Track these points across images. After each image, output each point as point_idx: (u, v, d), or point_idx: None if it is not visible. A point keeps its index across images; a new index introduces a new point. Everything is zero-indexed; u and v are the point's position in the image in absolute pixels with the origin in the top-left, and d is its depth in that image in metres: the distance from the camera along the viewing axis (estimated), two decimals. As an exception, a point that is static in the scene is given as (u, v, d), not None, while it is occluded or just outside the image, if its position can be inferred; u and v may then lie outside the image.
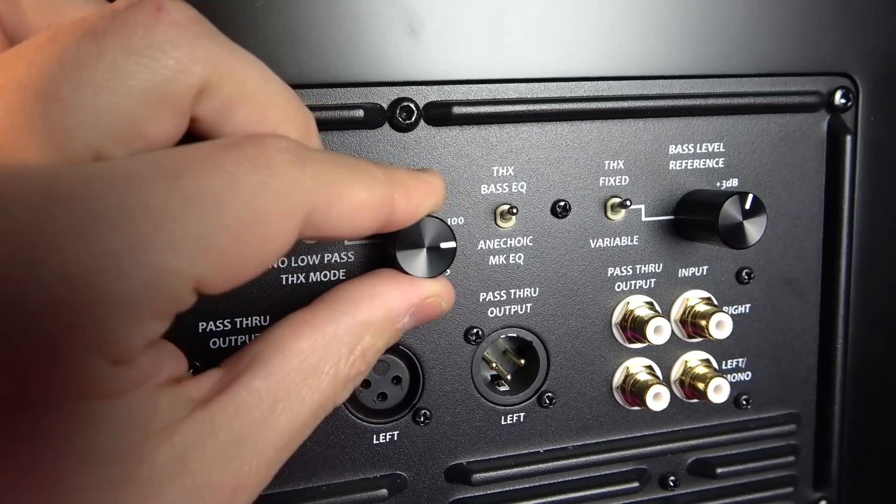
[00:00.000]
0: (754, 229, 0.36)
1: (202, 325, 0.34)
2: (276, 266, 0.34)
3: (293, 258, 0.34)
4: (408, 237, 0.29)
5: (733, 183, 0.40)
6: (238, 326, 0.34)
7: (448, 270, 0.33)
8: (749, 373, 0.42)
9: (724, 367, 0.41)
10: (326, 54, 0.33)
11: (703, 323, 0.38)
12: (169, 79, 0.21)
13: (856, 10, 0.40)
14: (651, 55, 0.37)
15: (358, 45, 0.34)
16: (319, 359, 0.25)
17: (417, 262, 0.30)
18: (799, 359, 0.42)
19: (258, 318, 0.34)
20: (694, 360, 0.40)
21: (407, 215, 0.27)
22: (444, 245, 0.30)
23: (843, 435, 0.43)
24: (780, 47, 0.39)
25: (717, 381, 0.38)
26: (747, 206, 0.36)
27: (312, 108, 0.33)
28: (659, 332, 0.37)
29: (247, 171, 0.21)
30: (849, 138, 0.40)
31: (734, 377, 0.41)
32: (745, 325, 0.41)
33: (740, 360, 0.41)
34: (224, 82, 0.23)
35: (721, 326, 0.38)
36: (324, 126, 0.34)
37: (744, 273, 0.40)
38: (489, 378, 0.39)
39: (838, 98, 0.40)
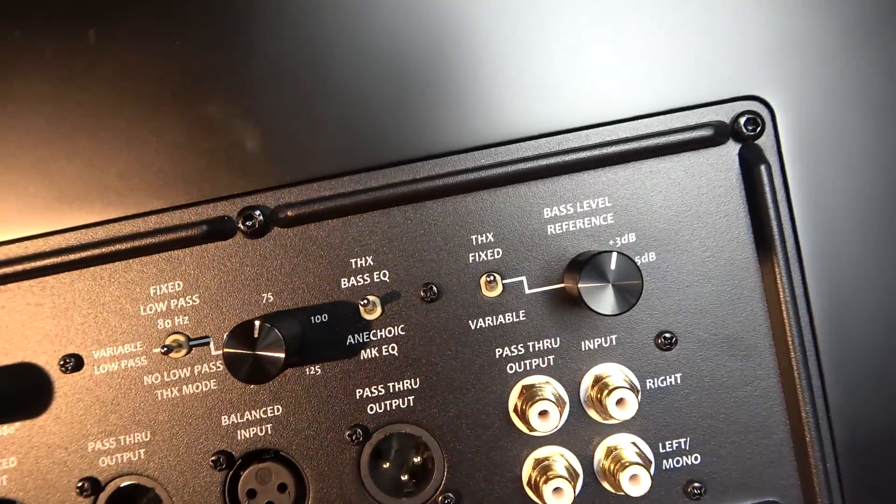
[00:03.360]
0: (624, 293, 0.31)
1: (90, 445, 0.36)
2: (151, 382, 0.36)
3: (164, 373, 0.36)
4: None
5: (630, 238, 0.35)
6: (122, 444, 0.36)
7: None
8: (697, 455, 0.35)
9: (661, 451, 0.35)
10: (169, 181, 0.36)
11: (604, 403, 0.33)
12: None
13: (753, 20, 0.35)
14: (503, 121, 0.35)
15: (205, 166, 0.36)
16: None
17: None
18: (764, 434, 0.35)
19: (140, 434, 0.36)
20: (619, 443, 0.35)
21: None
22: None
23: (849, 526, 0.34)
24: (667, 82, 0.35)
25: (632, 469, 0.33)
26: (612, 266, 0.31)
27: (154, 233, 0.35)
28: (545, 417, 0.33)
29: None
30: (763, 168, 0.34)
31: (677, 461, 0.35)
32: (678, 398, 0.35)
33: (681, 440, 0.35)
34: None
35: (623, 405, 0.33)
36: (177, 245, 0.36)
37: (663, 337, 0.35)
38: (400, 479, 0.37)
39: (743, 125, 0.35)
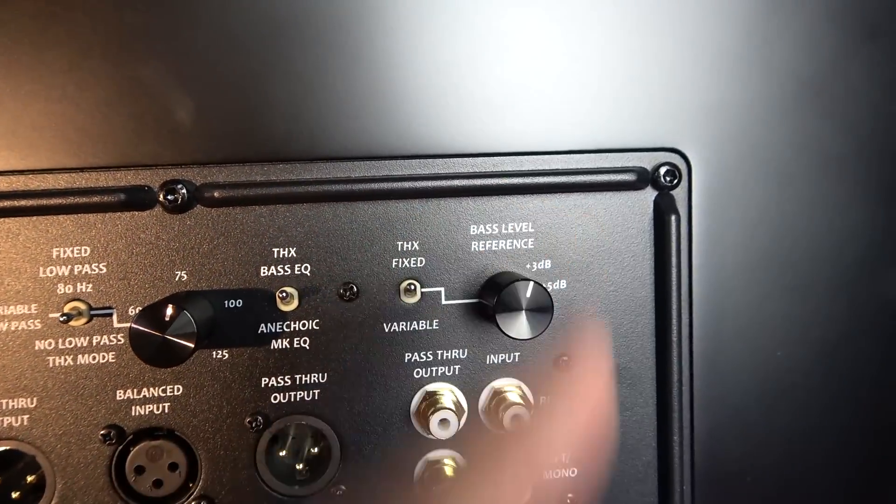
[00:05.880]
0: (535, 321, 0.33)
1: (-35, 406, 0.34)
2: (42, 347, 0.34)
3: (59, 339, 0.34)
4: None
5: (545, 265, 0.37)
6: (4, 408, 0.34)
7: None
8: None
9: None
10: (88, 140, 0.34)
11: (500, 416, 0.35)
12: None
13: (686, 82, 0.38)
14: (445, 134, 0.36)
15: (130, 130, 0.34)
16: None
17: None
18: (635, 455, 0.39)
19: (24, 399, 0.34)
20: (507, 453, 0.37)
21: None
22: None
23: (693, 542, 0.39)
24: (601, 122, 0.37)
25: (516, 480, 0.35)
26: (528, 294, 0.33)
27: (65, 193, 0.33)
28: (445, 425, 0.35)
29: None
30: (674, 218, 0.37)
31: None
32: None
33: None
34: None
35: (517, 422, 0.35)
36: (89, 209, 0.34)
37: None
38: (295, 467, 0.37)
39: (662, 175, 0.37)
